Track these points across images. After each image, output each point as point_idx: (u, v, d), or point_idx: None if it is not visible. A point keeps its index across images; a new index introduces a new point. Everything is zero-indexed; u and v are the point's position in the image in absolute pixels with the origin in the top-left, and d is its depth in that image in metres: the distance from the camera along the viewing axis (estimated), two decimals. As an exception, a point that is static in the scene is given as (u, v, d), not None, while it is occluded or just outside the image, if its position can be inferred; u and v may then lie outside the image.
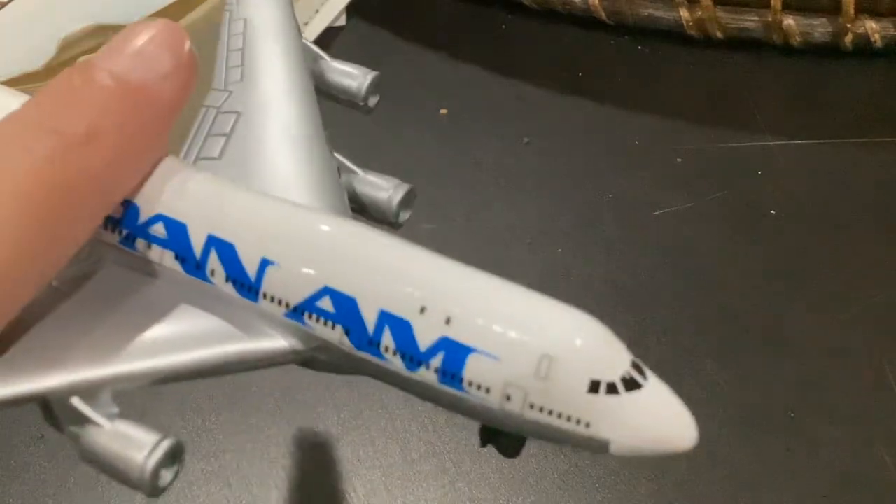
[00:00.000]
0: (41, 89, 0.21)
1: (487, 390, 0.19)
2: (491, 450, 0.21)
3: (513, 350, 0.19)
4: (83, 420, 0.20)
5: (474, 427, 0.19)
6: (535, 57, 0.51)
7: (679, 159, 0.44)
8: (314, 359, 0.21)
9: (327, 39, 0.52)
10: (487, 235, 0.41)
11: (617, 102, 0.48)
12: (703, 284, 0.39)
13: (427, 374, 0.20)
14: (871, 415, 0.34)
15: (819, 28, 0.48)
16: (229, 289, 0.21)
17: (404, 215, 0.26)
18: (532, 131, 0.46)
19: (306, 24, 0.51)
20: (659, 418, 0.20)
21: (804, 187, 0.43)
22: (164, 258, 0.21)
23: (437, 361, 0.19)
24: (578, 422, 0.19)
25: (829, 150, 0.45)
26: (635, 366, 0.20)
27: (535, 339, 0.19)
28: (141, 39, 0.21)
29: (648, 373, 0.20)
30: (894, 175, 0.43)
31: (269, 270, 0.20)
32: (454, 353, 0.19)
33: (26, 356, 0.20)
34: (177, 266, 0.21)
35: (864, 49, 0.48)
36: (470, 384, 0.19)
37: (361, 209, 0.26)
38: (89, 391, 0.20)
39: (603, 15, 0.51)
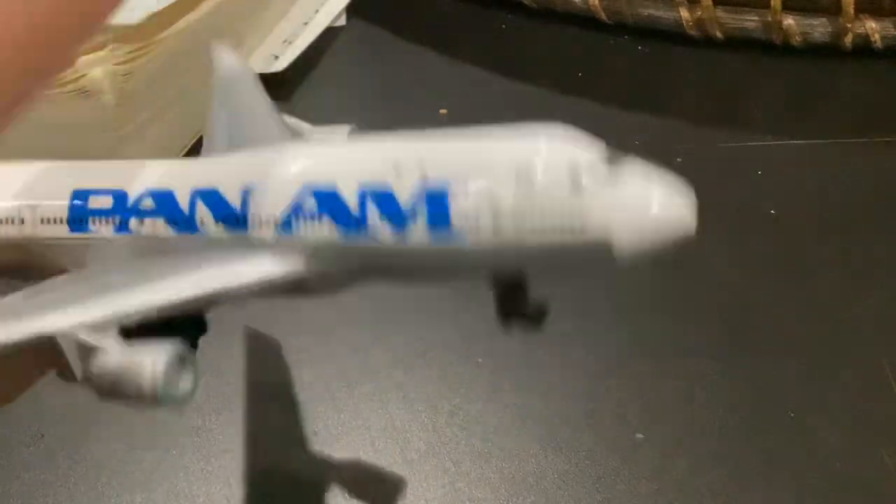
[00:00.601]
0: None
1: (477, 226, 0.20)
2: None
3: (488, 172, 0.20)
4: (93, 353, 0.20)
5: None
6: (535, 57, 0.51)
7: (679, 159, 0.44)
8: (310, 278, 0.21)
9: (327, 39, 0.52)
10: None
11: (617, 102, 0.48)
12: (702, 284, 0.39)
13: (417, 233, 0.20)
14: (871, 415, 0.34)
15: (819, 28, 0.48)
16: (220, 230, 0.22)
17: None
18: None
19: (306, 24, 0.51)
20: (650, 200, 0.20)
21: (804, 187, 0.43)
22: (156, 228, 0.22)
23: (422, 214, 0.20)
24: (573, 229, 0.19)
25: (829, 150, 0.45)
26: (609, 154, 0.20)
27: (504, 155, 0.20)
28: None
29: (628, 157, 0.21)
30: (894, 175, 0.43)
31: (252, 195, 0.21)
32: (436, 198, 0.20)
33: (34, 300, 0.21)
34: (169, 231, 0.22)
35: (864, 49, 0.48)
36: (459, 224, 0.20)
37: None
38: (95, 327, 0.20)
39: (603, 15, 0.51)
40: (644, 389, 0.35)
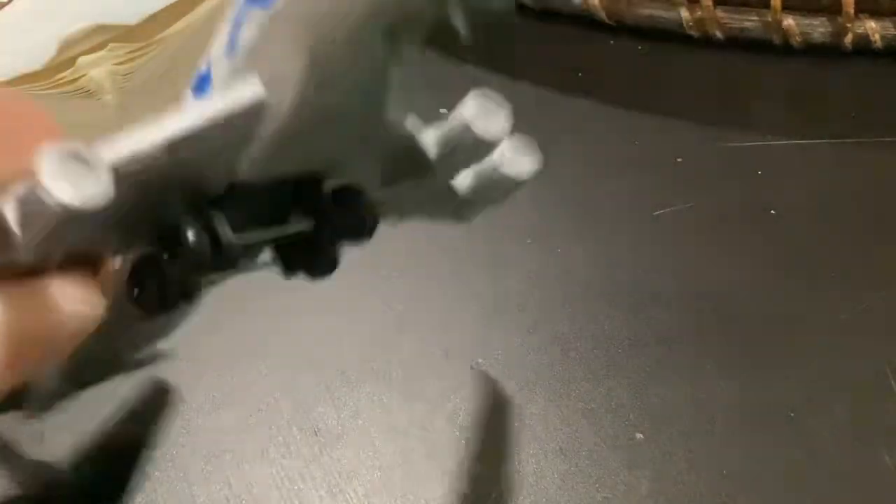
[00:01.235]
0: None
1: None
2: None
3: None
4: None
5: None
6: (535, 57, 0.51)
7: (679, 159, 0.44)
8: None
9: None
10: (487, 235, 0.41)
11: (617, 102, 0.48)
12: (702, 284, 0.39)
13: None
14: (871, 415, 0.34)
15: (819, 28, 0.48)
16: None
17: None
18: (532, 131, 0.46)
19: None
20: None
21: (804, 187, 0.43)
22: None
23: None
24: None
25: (829, 150, 0.45)
26: None
27: None
28: None
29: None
30: (894, 175, 0.43)
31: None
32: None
33: None
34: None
35: (864, 49, 0.48)
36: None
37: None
38: None
39: (603, 15, 0.51)
40: (644, 389, 0.35)
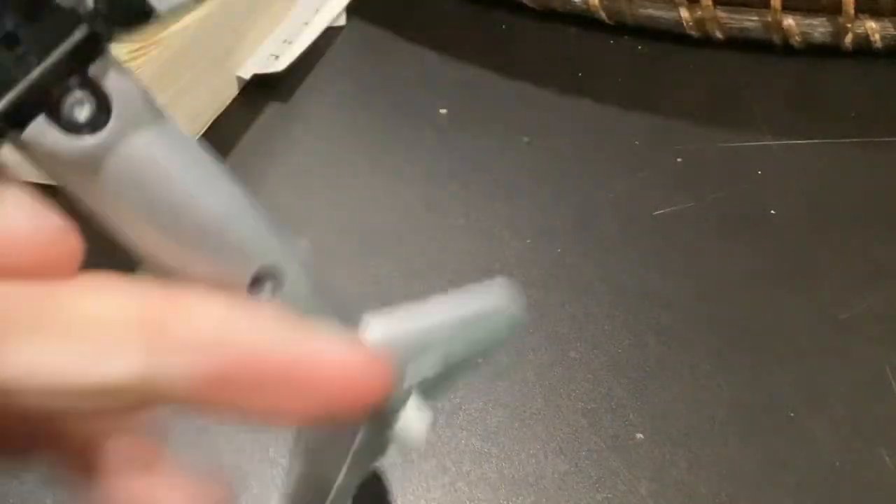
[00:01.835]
0: None
1: None
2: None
3: None
4: None
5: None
6: (535, 57, 0.51)
7: (679, 159, 0.44)
8: None
9: (327, 39, 0.52)
10: (487, 235, 0.41)
11: (617, 102, 0.48)
12: (702, 284, 0.39)
13: None
14: (871, 415, 0.34)
15: (819, 28, 0.48)
16: None
17: None
18: (532, 131, 0.46)
19: (306, 23, 0.51)
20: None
21: (804, 187, 0.43)
22: None
23: None
24: None
25: (829, 150, 0.45)
26: None
27: None
28: None
29: None
30: (894, 175, 0.43)
31: None
32: None
33: None
34: None
35: (864, 49, 0.48)
36: None
37: None
38: None
39: (603, 15, 0.51)
40: (644, 389, 0.35)
